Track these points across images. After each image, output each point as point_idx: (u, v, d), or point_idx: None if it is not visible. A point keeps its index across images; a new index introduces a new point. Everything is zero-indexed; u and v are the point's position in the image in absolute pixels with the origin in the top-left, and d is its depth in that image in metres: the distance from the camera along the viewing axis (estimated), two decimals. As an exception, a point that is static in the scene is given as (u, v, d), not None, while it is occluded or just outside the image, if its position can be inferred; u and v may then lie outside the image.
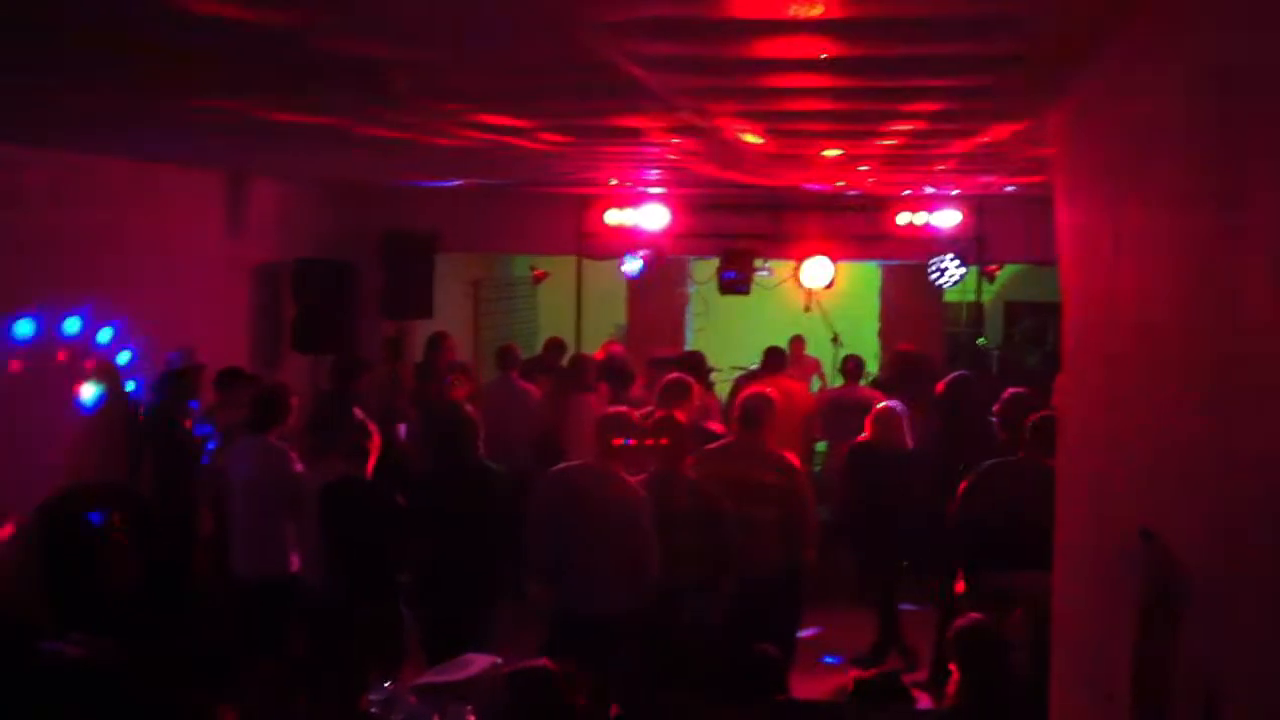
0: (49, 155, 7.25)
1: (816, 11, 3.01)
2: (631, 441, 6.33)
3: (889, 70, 3.84)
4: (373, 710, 5.20)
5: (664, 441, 6.42)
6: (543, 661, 4.12)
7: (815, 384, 12.06)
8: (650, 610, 6.19)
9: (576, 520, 6.18)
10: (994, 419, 7.93)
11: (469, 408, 7.33)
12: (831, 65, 3.77)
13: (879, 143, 6.14)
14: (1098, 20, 2.88)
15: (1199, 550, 2.08)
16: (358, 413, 7.04)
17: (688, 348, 12.05)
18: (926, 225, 11.27)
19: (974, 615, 4.87)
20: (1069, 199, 4.18)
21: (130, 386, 8.10)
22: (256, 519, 6.86)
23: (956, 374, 8.75)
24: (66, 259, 7.48)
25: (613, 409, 6.86)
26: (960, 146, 6.29)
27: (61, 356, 7.46)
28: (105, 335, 7.90)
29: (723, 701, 4.65)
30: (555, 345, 11.15)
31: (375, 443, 6.58)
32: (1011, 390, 7.83)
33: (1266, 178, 1.70)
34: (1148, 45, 2.68)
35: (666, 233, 11.75)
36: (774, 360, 10.23)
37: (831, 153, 6.86)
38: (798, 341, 11.99)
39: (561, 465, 6.58)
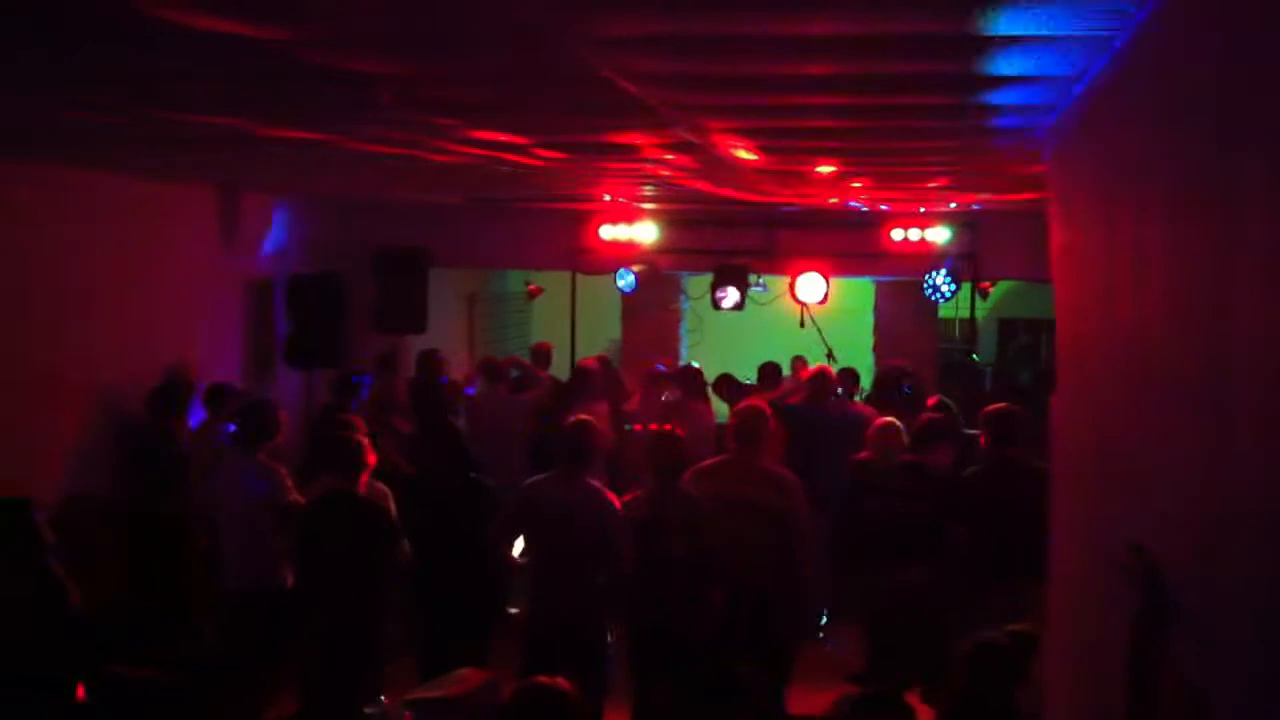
0: (40, 170, 7.23)
1: (812, 30, 3.03)
2: (637, 427, 6.50)
3: (884, 87, 3.85)
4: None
5: (680, 432, 6.63)
6: (554, 680, 4.06)
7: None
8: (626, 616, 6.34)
9: (541, 527, 6.35)
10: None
11: (460, 423, 7.41)
12: (826, 83, 3.79)
13: (873, 159, 6.17)
14: (1090, 41, 2.90)
15: (1187, 565, 2.09)
16: (358, 426, 7.07)
17: (682, 363, 12.05)
18: (921, 241, 11.28)
19: (987, 633, 4.76)
20: (1063, 217, 4.21)
21: (123, 401, 8.08)
22: (246, 534, 6.84)
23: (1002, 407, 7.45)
24: (58, 273, 7.46)
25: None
26: (954, 164, 6.31)
27: (53, 371, 7.44)
28: (99, 350, 7.88)
29: (708, 714, 4.63)
30: (543, 352, 11.17)
31: (370, 459, 6.61)
32: (994, 406, 7.47)
33: (1261, 197, 1.72)
34: (1141, 65, 2.71)
35: (660, 248, 11.76)
36: (771, 377, 10.20)
37: (825, 169, 6.88)
38: (799, 362, 11.95)
39: (534, 478, 6.66)
